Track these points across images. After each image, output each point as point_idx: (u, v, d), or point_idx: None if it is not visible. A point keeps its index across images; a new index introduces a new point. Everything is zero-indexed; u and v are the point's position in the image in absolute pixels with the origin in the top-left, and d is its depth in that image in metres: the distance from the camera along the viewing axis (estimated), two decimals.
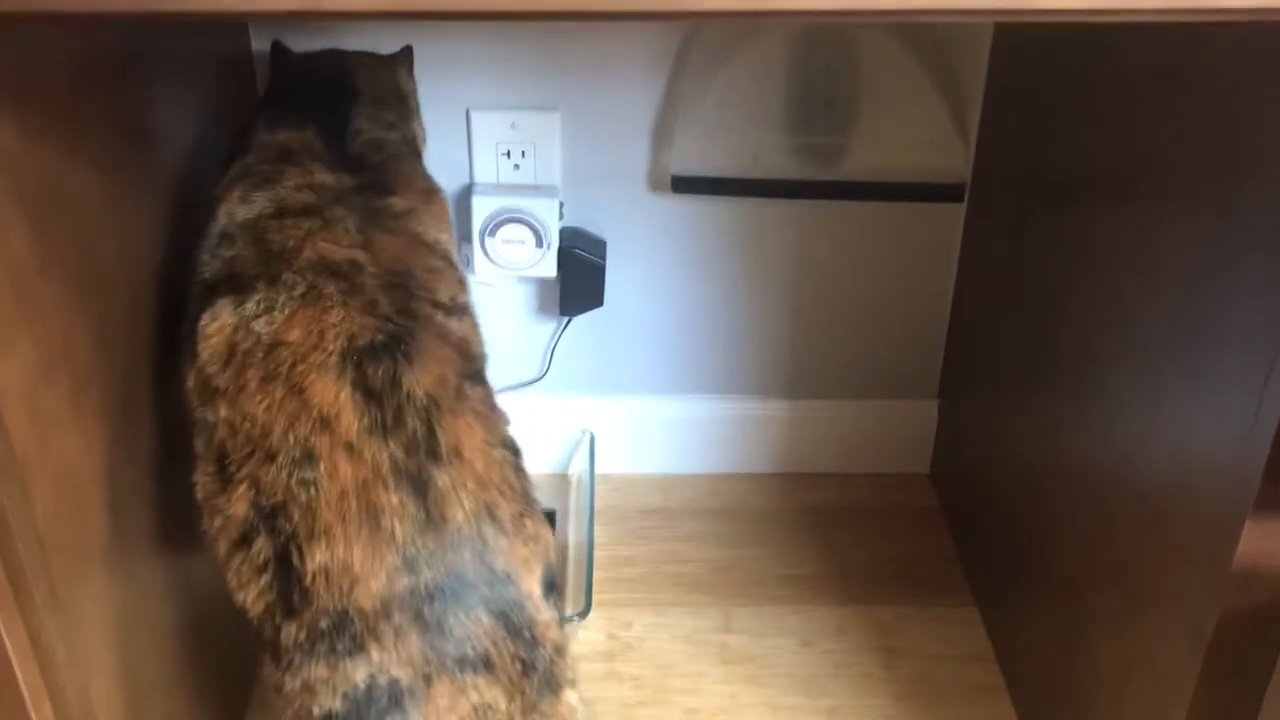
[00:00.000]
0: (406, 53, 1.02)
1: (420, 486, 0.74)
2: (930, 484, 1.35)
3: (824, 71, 1.09)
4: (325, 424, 0.73)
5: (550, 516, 1.26)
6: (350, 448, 0.73)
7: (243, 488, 0.75)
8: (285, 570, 0.74)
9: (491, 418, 0.80)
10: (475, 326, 0.87)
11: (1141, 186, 0.84)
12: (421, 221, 0.86)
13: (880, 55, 1.08)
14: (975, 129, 1.15)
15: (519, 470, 0.81)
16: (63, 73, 0.72)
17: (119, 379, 0.81)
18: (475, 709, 0.75)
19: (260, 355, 0.76)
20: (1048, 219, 1.00)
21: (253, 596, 0.76)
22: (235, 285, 0.78)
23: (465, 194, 1.17)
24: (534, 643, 0.77)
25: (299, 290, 0.77)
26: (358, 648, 0.74)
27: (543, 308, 1.26)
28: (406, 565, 0.73)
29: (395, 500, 0.73)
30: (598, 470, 1.33)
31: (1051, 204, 0.99)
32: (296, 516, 0.74)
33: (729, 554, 1.26)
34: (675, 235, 1.22)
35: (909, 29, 1.07)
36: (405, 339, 0.77)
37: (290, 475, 0.74)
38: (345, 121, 0.89)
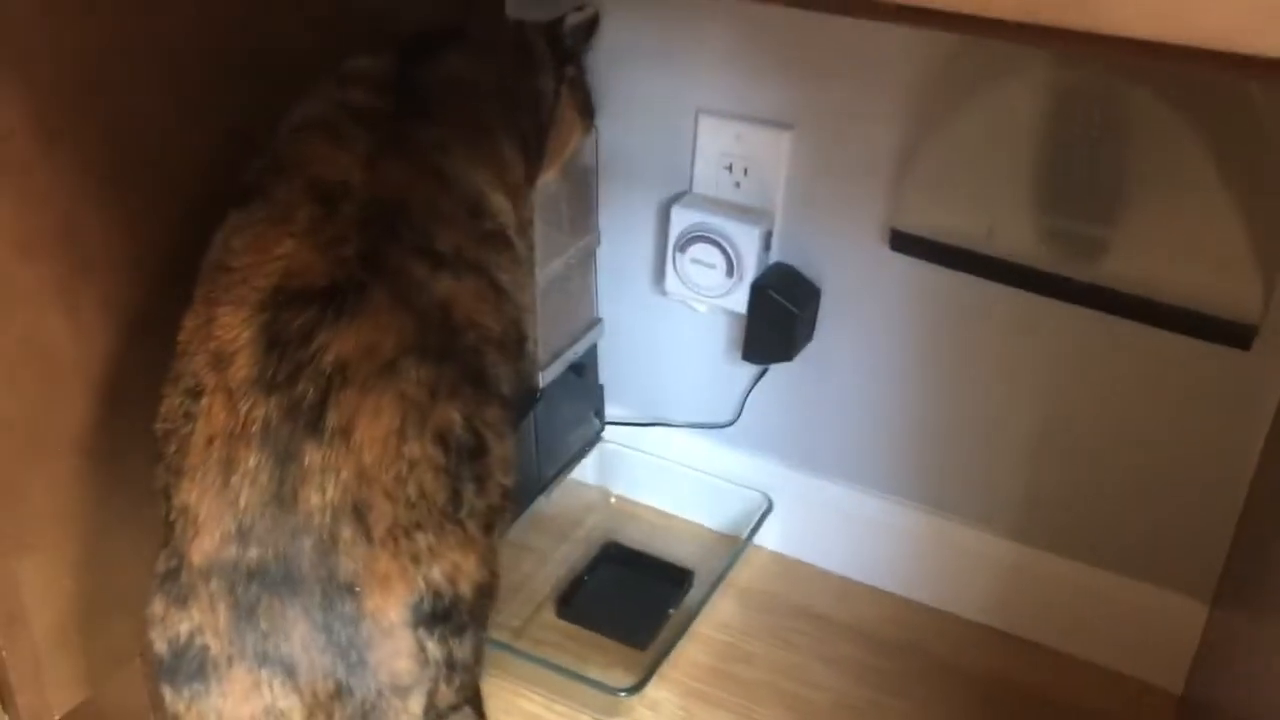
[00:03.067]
0: (555, 22, 0.93)
1: (284, 457, 0.66)
2: (1177, 709, 1.02)
3: (1086, 138, 0.84)
4: (219, 361, 0.68)
5: (686, 577, 1.12)
6: (230, 393, 0.67)
7: (162, 404, 0.72)
8: (166, 500, 0.71)
9: (432, 407, 0.69)
10: (491, 292, 0.76)
11: None
12: (453, 157, 0.78)
13: (1162, 131, 0.81)
14: None
15: (450, 475, 0.70)
16: None
17: (145, 275, 0.80)
18: (267, 711, 0.67)
19: (215, 272, 0.72)
20: None
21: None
22: (246, 196, 0.75)
23: (674, 201, 1.06)
24: (360, 667, 0.67)
25: (277, 209, 0.72)
26: (183, 600, 0.69)
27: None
28: (239, 534, 0.66)
29: (253, 462, 0.66)
30: (774, 547, 1.17)
31: None
32: (173, 448, 0.70)
33: (867, 697, 1.03)
34: (906, 301, 1.02)
35: (1201, 102, 0.79)
36: (349, 291, 0.69)
37: (180, 405, 0.70)
38: (433, 53, 0.83)
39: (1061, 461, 1.02)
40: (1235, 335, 0.82)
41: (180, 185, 0.80)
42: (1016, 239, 0.90)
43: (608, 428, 1.19)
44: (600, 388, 1.17)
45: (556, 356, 1.06)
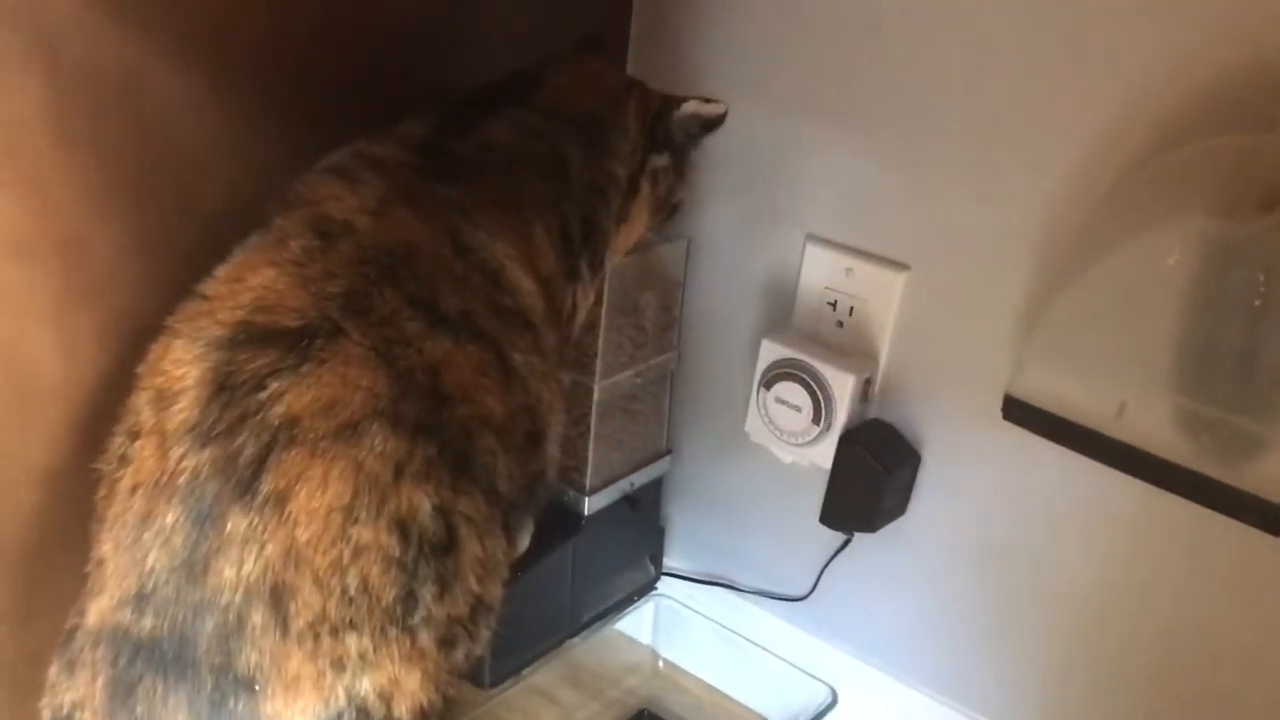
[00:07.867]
0: (667, 102, 0.83)
1: (203, 519, 0.57)
2: None
3: (1247, 308, 0.69)
4: (161, 400, 0.60)
5: None
6: (164, 437, 0.58)
7: (109, 442, 0.64)
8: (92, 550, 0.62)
9: (395, 487, 0.59)
10: (498, 368, 0.66)
11: None
12: (472, 222, 0.68)
13: None
14: None
15: (406, 571, 0.59)
16: None
17: (152, 304, 0.69)
18: None
19: (190, 302, 0.64)
20: None
21: None
22: (249, 232, 0.67)
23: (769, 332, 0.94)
24: None
25: (270, 237, 0.65)
26: (71, 667, 0.59)
27: None
28: (138, 599, 0.57)
29: (170, 519, 0.57)
30: None
31: None
32: (102, 493, 0.61)
33: None
34: (1016, 482, 0.86)
35: None
36: (319, 335, 0.60)
37: (119, 445, 0.62)
38: (478, 121, 0.75)
39: (1191, 709, 0.83)
40: None
41: (205, 215, 0.74)
42: (1151, 423, 0.75)
43: (665, 579, 1.06)
44: (660, 531, 1.05)
45: (609, 483, 0.95)
